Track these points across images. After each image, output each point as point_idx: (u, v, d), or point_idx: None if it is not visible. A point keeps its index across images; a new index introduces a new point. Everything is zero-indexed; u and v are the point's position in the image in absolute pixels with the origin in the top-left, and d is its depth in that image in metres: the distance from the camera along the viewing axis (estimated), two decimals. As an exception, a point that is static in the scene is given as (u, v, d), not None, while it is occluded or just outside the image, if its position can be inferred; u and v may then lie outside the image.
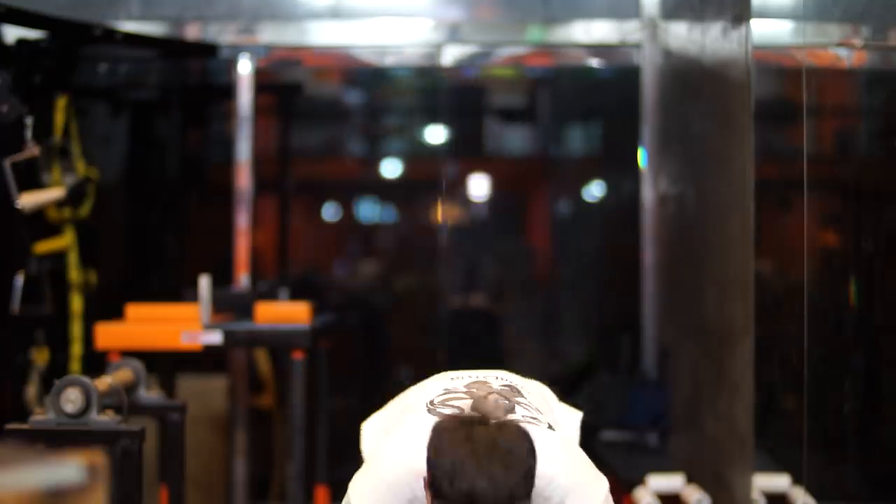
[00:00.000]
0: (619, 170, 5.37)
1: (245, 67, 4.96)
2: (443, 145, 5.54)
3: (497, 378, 2.55)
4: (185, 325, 3.95)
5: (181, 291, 4.50)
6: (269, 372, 5.11)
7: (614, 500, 2.32)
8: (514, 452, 2.05)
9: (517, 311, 5.61)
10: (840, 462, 3.99)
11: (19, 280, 4.11)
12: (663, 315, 4.86)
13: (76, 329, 4.36)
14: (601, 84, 5.56)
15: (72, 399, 2.92)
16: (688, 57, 4.39)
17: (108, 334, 3.93)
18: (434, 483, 2.06)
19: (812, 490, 3.50)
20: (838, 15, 3.66)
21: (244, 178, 4.95)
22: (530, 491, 2.08)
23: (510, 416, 2.25)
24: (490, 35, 4.99)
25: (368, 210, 5.75)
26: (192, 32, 4.97)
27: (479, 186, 5.62)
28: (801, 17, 3.72)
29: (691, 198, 4.41)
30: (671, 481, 3.89)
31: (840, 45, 3.70)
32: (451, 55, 5.04)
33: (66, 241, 4.37)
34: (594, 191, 5.70)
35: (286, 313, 4.11)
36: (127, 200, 5.17)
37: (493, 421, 2.11)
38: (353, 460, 4.44)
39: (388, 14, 5.02)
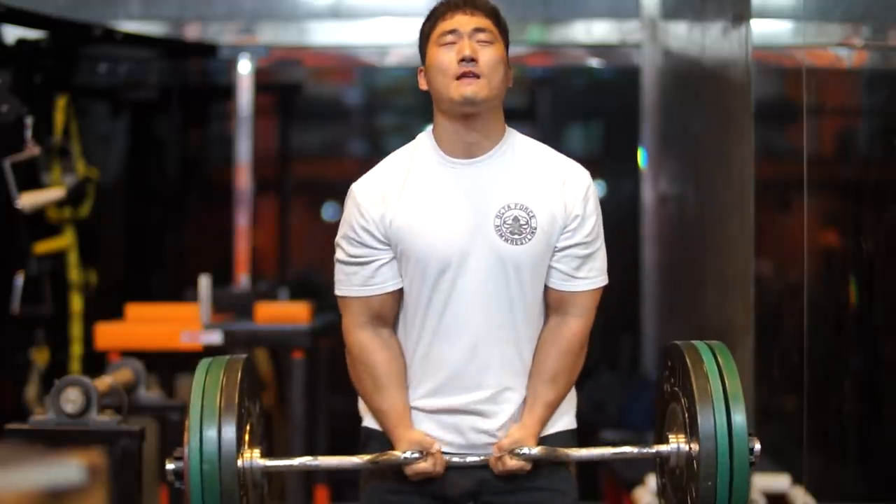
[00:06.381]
0: (619, 170, 5.37)
1: (245, 67, 4.96)
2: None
3: None
4: (185, 325, 3.94)
5: (181, 291, 4.50)
6: (269, 372, 5.10)
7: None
8: None
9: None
10: (840, 462, 3.98)
11: (19, 280, 4.11)
12: (663, 315, 4.86)
13: (76, 329, 4.36)
14: (601, 84, 5.55)
15: (72, 399, 2.92)
16: (688, 57, 4.39)
17: (108, 334, 3.92)
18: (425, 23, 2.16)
19: (812, 490, 3.50)
20: (838, 15, 3.66)
21: (244, 178, 4.95)
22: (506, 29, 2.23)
23: None
24: (490, 35, 4.98)
25: (368, 210, 5.74)
26: (192, 32, 4.97)
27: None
28: (801, 17, 3.72)
29: (691, 198, 4.41)
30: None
31: (840, 45, 3.70)
32: (451, 55, 5.03)
33: (66, 241, 4.37)
34: (594, 191, 5.69)
35: (286, 313, 4.11)
36: (127, 200, 5.16)
37: None
38: (353, 460, 4.43)
39: (388, 14, 5.01)
